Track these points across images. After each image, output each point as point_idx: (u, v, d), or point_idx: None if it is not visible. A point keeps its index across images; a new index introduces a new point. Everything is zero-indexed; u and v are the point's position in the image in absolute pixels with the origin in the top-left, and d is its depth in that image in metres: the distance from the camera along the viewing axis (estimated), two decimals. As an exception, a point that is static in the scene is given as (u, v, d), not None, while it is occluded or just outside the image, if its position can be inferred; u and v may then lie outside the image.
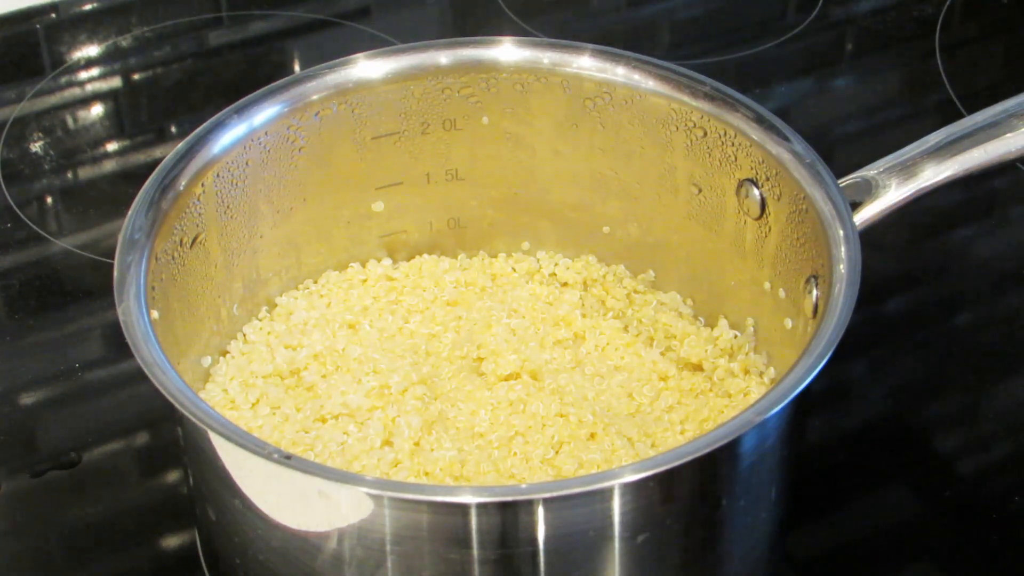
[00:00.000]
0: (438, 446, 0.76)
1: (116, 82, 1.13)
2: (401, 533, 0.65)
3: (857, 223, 0.73)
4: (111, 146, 1.09)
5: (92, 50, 1.15)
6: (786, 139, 0.77)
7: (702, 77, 0.80)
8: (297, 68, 1.15)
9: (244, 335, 0.83)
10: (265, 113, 0.80)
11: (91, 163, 1.07)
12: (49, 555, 0.82)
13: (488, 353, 0.82)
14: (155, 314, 0.71)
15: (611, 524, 0.65)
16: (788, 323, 0.78)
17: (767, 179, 0.78)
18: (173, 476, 0.85)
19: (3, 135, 1.07)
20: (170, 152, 0.77)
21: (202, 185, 0.77)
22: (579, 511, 0.65)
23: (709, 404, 0.80)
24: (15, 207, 1.01)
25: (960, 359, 0.93)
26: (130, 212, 0.73)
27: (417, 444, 0.76)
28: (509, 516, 0.64)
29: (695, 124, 0.80)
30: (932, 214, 1.01)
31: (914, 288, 0.97)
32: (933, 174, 0.76)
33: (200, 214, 0.77)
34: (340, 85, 0.81)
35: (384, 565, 0.66)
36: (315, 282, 0.87)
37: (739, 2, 1.21)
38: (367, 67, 0.82)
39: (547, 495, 0.64)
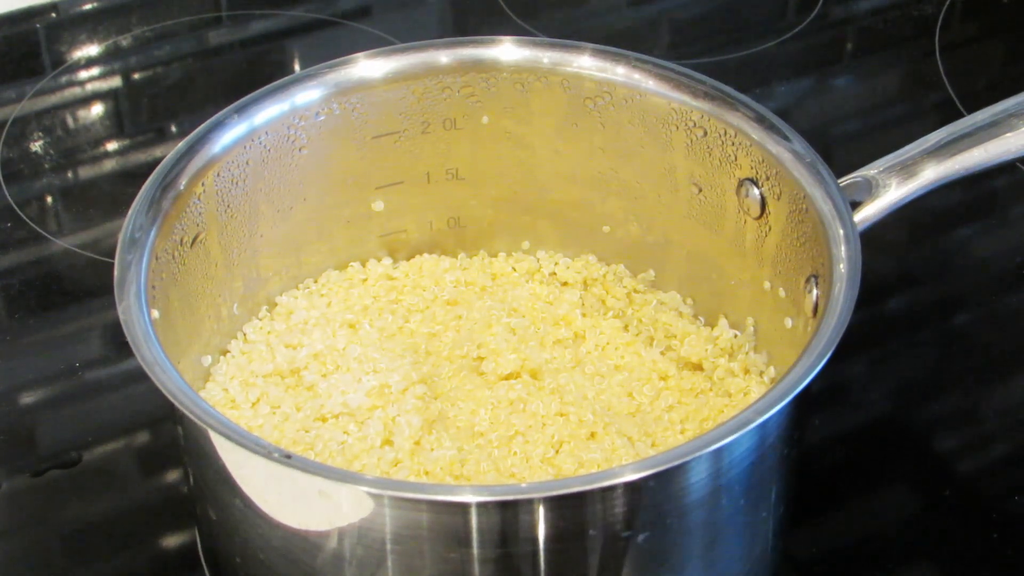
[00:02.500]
0: (438, 445, 0.76)
1: (116, 82, 1.13)
2: (401, 532, 0.65)
3: (857, 222, 0.73)
4: (111, 146, 1.09)
5: (92, 50, 1.15)
6: (786, 138, 0.77)
7: (702, 77, 0.80)
8: (297, 68, 1.15)
9: (244, 334, 0.83)
10: (265, 113, 0.80)
11: (91, 163, 1.06)
12: (49, 555, 0.82)
13: (488, 352, 0.82)
14: (155, 313, 0.71)
15: (611, 524, 0.65)
16: (788, 322, 0.78)
17: (767, 178, 0.78)
18: (173, 476, 0.85)
19: (3, 135, 1.07)
20: (170, 152, 0.77)
21: (202, 184, 0.77)
22: (579, 511, 0.65)
23: (709, 404, 0.80)
24: (15, 207, 1.01)
25: (960, 359, 0.93)
26: (130, 211, 0.73)
27: (417, 443, 0.76)
28: (509, 515, 0.64)
29: (695, 123, 0.80)
30: (932, 214, 1.00)
31: (914, 288, 0.97)
32: (933, 174, 0.76)
33: (200, 213, 0.77)
34: (340, 85, 0.81)
35: (384, 564, 0.66)
36: (315, 281, 0.87)
37: (739, 2, 1.21)
38: (367, 67, 0.82)
39: (547, 494, 0.64)
